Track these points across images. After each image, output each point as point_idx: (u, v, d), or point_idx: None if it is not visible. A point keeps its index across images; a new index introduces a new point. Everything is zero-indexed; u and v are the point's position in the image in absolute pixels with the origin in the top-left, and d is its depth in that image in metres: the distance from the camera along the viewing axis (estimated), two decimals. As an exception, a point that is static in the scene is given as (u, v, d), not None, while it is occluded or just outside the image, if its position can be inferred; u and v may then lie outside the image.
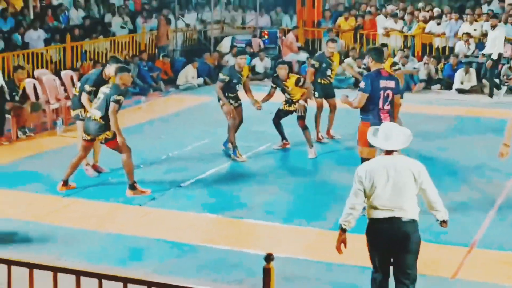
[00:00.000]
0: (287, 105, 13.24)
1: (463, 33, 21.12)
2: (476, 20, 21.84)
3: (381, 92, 9.53)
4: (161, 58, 21.03)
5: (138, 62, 19.74)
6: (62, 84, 16.18)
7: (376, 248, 6.59)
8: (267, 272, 4.93)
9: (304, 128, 12.96)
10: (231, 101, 12.81)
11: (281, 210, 10.23)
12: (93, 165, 11.78)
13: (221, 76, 12.82)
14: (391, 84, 9.64)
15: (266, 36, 23.49)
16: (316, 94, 13.95)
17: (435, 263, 8.35)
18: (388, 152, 6.50)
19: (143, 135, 14.51)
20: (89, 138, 10.74)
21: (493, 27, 19.02)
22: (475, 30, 21.47)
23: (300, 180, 11.60)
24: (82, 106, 11.25)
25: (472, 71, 19.95)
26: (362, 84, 9.69)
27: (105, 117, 10.48)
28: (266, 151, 13.42)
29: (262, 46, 23.11)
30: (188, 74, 20.35)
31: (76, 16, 21.43)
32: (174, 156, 12.99)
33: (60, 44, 19.04)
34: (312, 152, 12.93)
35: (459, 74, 19.74)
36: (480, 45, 20.98)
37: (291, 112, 13.20)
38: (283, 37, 23.41)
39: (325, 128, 14.21)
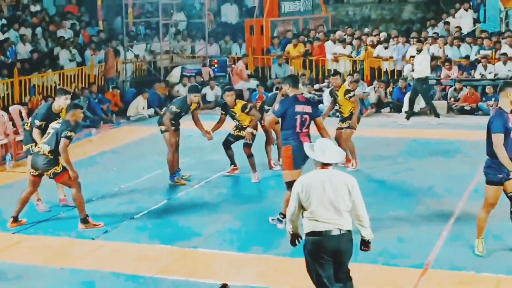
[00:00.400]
0: (237, 130, 13.42)
1: (410, 56, 21.39)
2: (422, 43, 22.14)
3: (298, 116, 9.94)
4: (110, 90, 20.92)
5: (88, 94, 19.61)
6: (11, 119, 15.98)
7: (320, 261, 6.77)
8: (222, 302, 4.91)
9: (250, 155, 13.12)
10: (173, 128, 12.95)
11: (236, 239, 10.19)
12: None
13: (173, 109, 12.86)
14: (308, 109, 10.06)
15: (215, 65, 23.55)
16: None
17: (391, 285, 8.38)
18: (324, 166, 6.83)
19: (94, 168, 14.38)
20: (36, 173, 10.60)
21: (419, 51, 19.26)
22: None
23: (253, 207, 11.59)
24: (33, 141, 11.10)
25: (421, 93, 20.18)
26: (276, 107, 10.25)
27: (54, 152, 10.37)
28: (219, 180, 13.39)
29: (212, 75, 23.14)
30: (139, 105, 20.28)
31: (23, 50, 21.23)
32: (126, 187, 12.88)
33: (8, 79, 18.83)
34: (255, 176, 13.16)
35: (407, 97, 19.96)
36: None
37: (241, 137, 13.29)
38: (233, 66, 23.48)
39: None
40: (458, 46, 21.95)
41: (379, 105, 20.61)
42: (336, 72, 14.99)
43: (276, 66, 22.71)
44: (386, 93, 20.92)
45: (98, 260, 9.44)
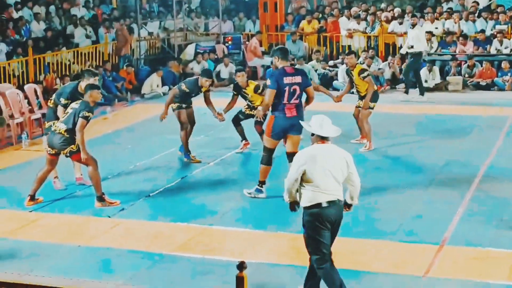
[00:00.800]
0: (249, 109, 13.51)
1: (426, 32, 21.26)
2: (437, 19, 22.04)
3: (287, 88, 10.20)
4: (125, 68, 20.90)
5: (102, 72, 19.61)
6: (26, 97, 16.03)
7: (321, 232, 6.96)
8: (240, 281, 4.92)
9: (261, 132, 12.82)
10: (183, 105, 12.98)
11: (251, 216, 10.22)
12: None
13: (182, 87, 12.84)
14: (297, 79, 10.29)
15: (229, 42, 23.47)
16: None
17: (407, 262, 8.38)
18: (323, 141, 7.08)
19: (109, 146, 14.42)
20: (53, 151, 10.64)
21: (413, 25, 19.12)
22: (436, 28, 21.66)
23: (266, 185, 11.57)
24: (56, 118, 11.13)
25: (436, 69, 20.11)
26: (268, 82, 10.43)
27: (70, 131, 10.40)
28: (233, 157, 13.41)
29: (226, 52, 23.09)
30: (153, 82, 20.27)
31: (37, 28, 21.24)
32: (141, 165, 12.90)
33: (22, 57, 18.86)
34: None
35: (423, 73, 19.86)
36: (443, 43, 21.18)
37: (251, 116, 13.34)
38: (247, 42, 23.41)
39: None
40: (474, 21, 21.80)
41: (394, 81, 20.53)
42: (351, 52, 14.86)
43: (290, 43, 22.60)
44: (401, 69, 20.82)
45: (114, 238, 9.48)
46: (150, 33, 23.58)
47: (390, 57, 21.01)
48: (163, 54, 23.35)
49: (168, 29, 24.13)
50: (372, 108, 13.53)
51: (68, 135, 10.44)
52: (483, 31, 21.17)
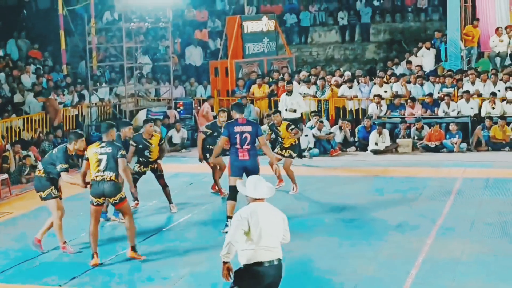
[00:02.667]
0: (142, 166, 13.98)
1: (374, 95, 21.61)
2: (386, 82, 22.42)
3: (237, 135, 12.00)
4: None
5: (53, 139, 19.49)
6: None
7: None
8: None
9: (164, 186, 13.96)
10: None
11: (205, 283, 10.12)
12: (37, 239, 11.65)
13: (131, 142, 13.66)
14: (248, 128, 12.08)
15: (181, 107, 23.54)
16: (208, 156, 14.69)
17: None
18: (257, 200, 7.18)
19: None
20: (101, 201, 10.91)
21: (290, 92, 19.53)
22: (385, 91, 22.02)
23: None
24: (52, 184, 11.34)
25: (386, 131, 20.37)
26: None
27: (118, 176, 10.77)
28: (188, 221, 13.32)
29: (178, 117, 23.13)
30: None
31: (-13, 95, 21.09)
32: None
33: (-28, 125, 18.68)
34: (173, 207, 14.00)
35: (373, 136, 20.12)
36: (391, 106, 21.51)
37: (144, 173, 13.98)
38: (199, 107, 23.50)
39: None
40: (421, 84, 22.23)
41: (345, 144, 20.73)
42: (277, 110, 16.83)
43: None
44: (351, 132, 21.07)
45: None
46: (101, 99, 23.55)
47: (340, 120, 21.25)
48: (115, 120, 23.27)
49: (119, 95, 24.14)
50: (294, 158, 15.61)
51: (118, 181, 10.75)
52: (430, 94, 21.58)
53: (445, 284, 9.56)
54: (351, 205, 14.06)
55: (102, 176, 10.68)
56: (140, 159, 13.87)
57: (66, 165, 11.17)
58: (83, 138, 11.48)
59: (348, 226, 12.84)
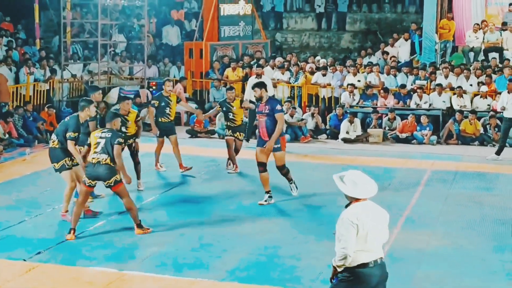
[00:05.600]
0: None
1: (348, 84, 21.66)
2: (359, 71, 22.48)
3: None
4: (46, 109, 20.62)
5: (23, 113, 19.33)
6: None
7: None
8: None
9: (137, 163, 14.12)
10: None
11: (172, 262, 10.11)
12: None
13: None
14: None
15: (154, 87, 23.43)
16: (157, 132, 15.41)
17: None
18: (359, 200, 6.82)
19: (28, 187, 14.14)
20: (94, 183, 11.05)
21: (259, 76, 19.08)
22: (359, 81, 22.08)
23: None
24: (66, 156, 11.45)
25: (357, 121, 20.43)
26: (279, 107, 12.97)
27: (113, 160, 10.92)
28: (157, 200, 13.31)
29: (150, 96, 23.00)
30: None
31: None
32: (60, 208, 12.65)
33: None
34: (140, 184, 14.14)
35: (344, 124, 20.18)
36: (364, 95, 21.58)
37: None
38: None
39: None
40: (395, 75, 22.32)
41: (316, 132, 20.77)
42: (232, 87, 16.44)
43: (214, 90, 22.73)
44: (323, 120, 21.11)
45: (29, 283, 9.25)
46: (73, 75, 23.38)
47: (313, 108, 21.27)
48: (86, 96, 23.09)
49: (92, 72, 23.96)
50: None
51: (113, 165, 10.86)
52: (403, 85, 21.67)
53: (409, 274, 9.66)
54: (319, 193, 14.10)
55: (97, 158, 10.92)
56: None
57: (75, 134, 11.35)
58: (94, 104, 11.82)
59: (315, 213, 12.88)
